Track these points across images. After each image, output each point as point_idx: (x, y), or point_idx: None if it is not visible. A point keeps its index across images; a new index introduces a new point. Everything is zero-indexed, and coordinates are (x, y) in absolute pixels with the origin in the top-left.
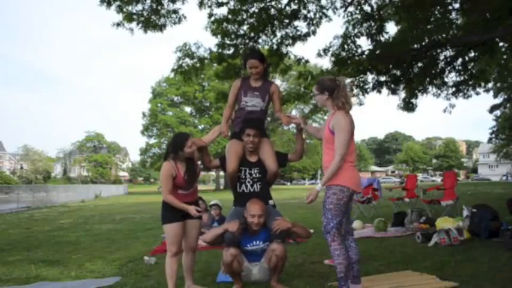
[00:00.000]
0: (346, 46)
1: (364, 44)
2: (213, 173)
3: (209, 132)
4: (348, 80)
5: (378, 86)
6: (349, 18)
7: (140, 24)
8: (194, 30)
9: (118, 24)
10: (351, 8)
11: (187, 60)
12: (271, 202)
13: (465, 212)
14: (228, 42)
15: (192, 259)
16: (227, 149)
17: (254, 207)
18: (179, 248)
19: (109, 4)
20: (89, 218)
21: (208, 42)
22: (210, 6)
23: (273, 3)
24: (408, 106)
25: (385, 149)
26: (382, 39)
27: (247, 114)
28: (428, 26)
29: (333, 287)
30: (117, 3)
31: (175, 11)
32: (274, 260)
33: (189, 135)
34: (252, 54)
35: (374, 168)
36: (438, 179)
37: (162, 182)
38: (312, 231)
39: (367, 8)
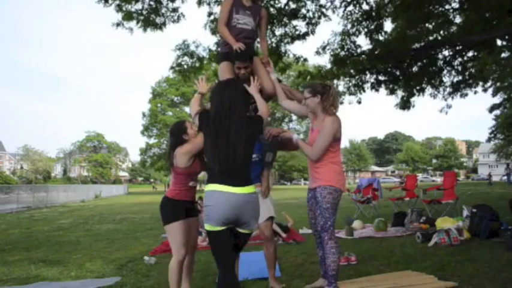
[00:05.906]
0: (345, 45)
1: (364, 43)
2: None
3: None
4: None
5: (376, 85)
6: (348, 16)
7: (140, 24)
8: (194, 31)
9: (118, 24)
10: (350, 7)
11: (186, 59)
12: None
13: (465, 212)
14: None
15: (191, 260)
16: (220, 73)
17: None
18: (187, 250)
19: (106, 1)
20: (89, 218)
21: (207, 42)
22: (208, 4)
23: (272, 2)
24: (405, 105)
25: (385, 149)
26: (381, 38)
27: (237, 33)
28: (428, 26)
29: None
30: (117, 2)
31: (174, 9)
32: (267, 252)
33: (184, 120)
34: None
35: (374, 168)
36: (438, 179)
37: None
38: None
39: (366, 7)
